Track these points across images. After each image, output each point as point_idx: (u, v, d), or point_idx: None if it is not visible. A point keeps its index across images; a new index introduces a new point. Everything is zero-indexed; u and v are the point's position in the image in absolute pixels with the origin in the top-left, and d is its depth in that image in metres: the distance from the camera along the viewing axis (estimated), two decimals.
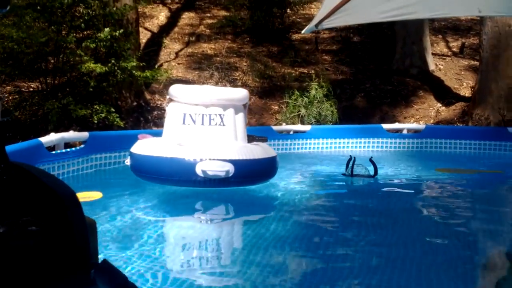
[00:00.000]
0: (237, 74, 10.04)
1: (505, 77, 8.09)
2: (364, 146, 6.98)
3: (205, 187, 3.96)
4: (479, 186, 4.88)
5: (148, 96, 8.74)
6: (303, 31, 5.42)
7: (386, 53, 11.12)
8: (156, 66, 9.38)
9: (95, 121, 6.61)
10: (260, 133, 4.91)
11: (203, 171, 3.86)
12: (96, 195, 3.90)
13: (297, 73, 10.58)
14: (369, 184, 4.65)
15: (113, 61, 6.76)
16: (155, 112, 8.61)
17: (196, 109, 4.14)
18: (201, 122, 4.13)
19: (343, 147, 6.93)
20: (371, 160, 4.89)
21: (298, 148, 6.81)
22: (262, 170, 4.15)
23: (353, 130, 7.06)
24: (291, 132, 6.87)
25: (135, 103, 8.21)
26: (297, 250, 2.84)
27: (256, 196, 4.14)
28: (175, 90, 4.32)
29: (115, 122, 6.72)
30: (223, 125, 4.15)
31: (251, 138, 4.38)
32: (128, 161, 4.26)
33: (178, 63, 10.33)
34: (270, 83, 10.15)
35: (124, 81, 7.09)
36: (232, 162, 3.91)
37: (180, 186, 4.02)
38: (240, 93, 4.33)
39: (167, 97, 4.42)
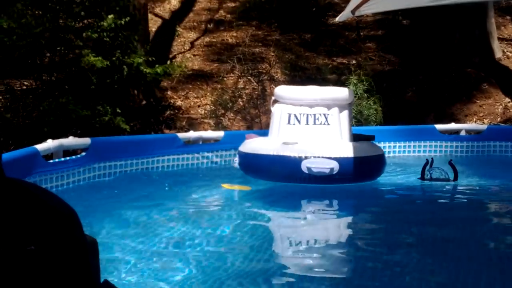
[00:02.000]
0: (263, 67, 10.13)
1: None
2: (413, 151, 6.97)
3: (310, 184, 4.88)
4: None
5: (158, 94, 8.93)
6: (337, 19, 5.48)
7: (443, 38, 11.00)
8: (168, 60, 9.58)
9: (97, 125, 6.79)
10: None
11: (308, 168, 4.78)
12: (245, 187, 4.98)
13: (334, 64, 10.60)
14: (445, 189, 5.07)
15: (118, 55, 6.93)
16: (168, 112, 8.80)
17: (301, 110, 5.10)
18: (305, 121, 5.08)
19: (388, 152, 6.88)
20: (450, 163, 5.34)
21: None
22: (367, 168, 5.02)
23: (400, 132, 7.06)
24: None
25: (144, 102, 8.40)
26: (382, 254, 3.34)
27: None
28: (280, 91, 5.39)
29: (121, 126, 6.88)
30: (328, 124, 5.04)
31: (357, 137, 5.17)
32: (236, 160, 5.33)
33: (194, 55, 10.51)
34: (303, 76, 10.19)
35: (131, 77, 7.26)
36: (337, 159, 4.79)
37: (286, 182, 4.93)
38: (344, 93, 5.22)
39: (272, 98, 5.41)
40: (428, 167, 5.36)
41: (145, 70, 7.24)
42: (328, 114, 5.09)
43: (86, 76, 7.04)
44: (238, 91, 9.17)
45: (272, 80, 9.85)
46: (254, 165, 5.16)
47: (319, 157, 4.83)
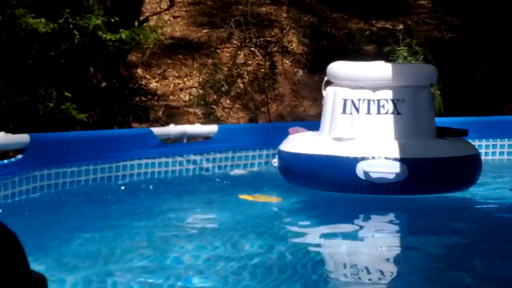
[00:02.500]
0: (272, 34, 10.13)
1: None
2: (486, 153, 6.94)
3: (369, 194, 5.04)
4: None
5: (124, 72, 8.91)
6: None
7: None
8: (137, 23, 9.52)
9: (41, 112, 6.78)
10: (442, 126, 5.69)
11: (365, 173, 4.92)
12: (273, 198, 5.24)
13: (374, 30, 10.58)
14: None
15: (66, 15, 6.91)
16: (138, 98, 8.79)
17: (360, 94, 5.15)
18: (366, 110, 5.10)
19: None
20: None
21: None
22: (450, 173, 5.13)
23: (468, 124, 6.97)
24: None
25: (103, 84, 8.38)
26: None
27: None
28: (333, 68, 5.48)
29: (72, 115, 6.87)
30: (398, 113, 5.08)
31: (443, 131, 5.27)
32: (275, 162, 5.59)
33: (175, 16, 10.50)
34: (328, 47, 10.20)
35: (84, 47, 7.23)
36: (406, 161, 4.89)
37: (336, 191, 5.12)
38: (424, 70, 5.45)
39: (325, 78, 5.54)
40: None
41: (104, 36, 7.21)
42: (398, 100, 5.14)
43: (22, 47, 7.02)
44: (237, 69, 9.16)
45: (285, 52, 9.85)
46: (294, 169, 5.38)
47: (380, 157, 4.97)
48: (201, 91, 8.80)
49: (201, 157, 6.14)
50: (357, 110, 5.14)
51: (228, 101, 8.92)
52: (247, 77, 9.23)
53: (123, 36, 7.34)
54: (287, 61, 9.83)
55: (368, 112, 5.12)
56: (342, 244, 4.36)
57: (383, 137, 5.06)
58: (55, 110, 6.90)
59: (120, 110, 8.40)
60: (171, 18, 10.42)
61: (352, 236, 4.52)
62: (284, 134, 6.58)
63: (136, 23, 8.03)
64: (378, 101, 5.11)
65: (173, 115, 8.59)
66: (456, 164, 5.12)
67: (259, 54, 9.68)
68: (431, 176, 5.05)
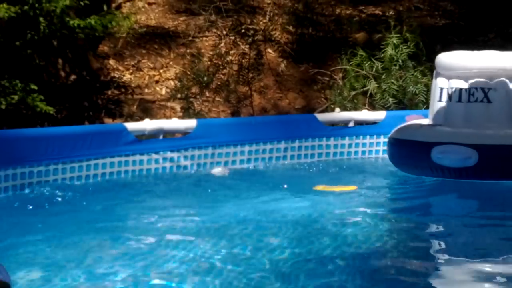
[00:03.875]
0: (255, 21, 10.07)
1: None
2: None
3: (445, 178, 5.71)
4: None
5: (95, 63, 8.82)
6: None
7: None
8: (108, 9, 9.41)
9: (4, 107, 6.70)
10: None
11: (438, 158, 5.59)
12: (348, 187, 5.64)
13: (363, 16, 10.56)
14: None
15: (31, 0, 6.81)
16: (110, 91, 8.69)
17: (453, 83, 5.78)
18: (467, 98, 5.67)
19: None
20: None
21: (363, 152, 6.87)
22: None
23: None
24: (351, 124, 6.88)
25: (73, 76, 8.30)
26: None
27: None
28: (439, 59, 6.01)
29: (39, 109, 6.79)
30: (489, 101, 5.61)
31: None
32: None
33: (150, 3, 10.41)
34: (315, 35, 10.16)
35: (51, 35, 7.13)
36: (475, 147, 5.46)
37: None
38: None
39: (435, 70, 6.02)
40: None
41: (72, 22, 7.10)
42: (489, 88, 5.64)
43: None
44: (218, 59, 9.08)
45: (268, 41, 9.78)
46: (401, 155, 6.04)
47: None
48: (179, 83, 8.72)
49: (178, 154, 6.04)
50: (450, 98, 5.77)
51: (208, 94, 8.82)
52: (228, 68, 9.14)
53: (93, 22, 7.23)
54: (270, 51, 9.75)
55: (467, 100, 5.69)
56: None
57: (468, 124, 5.64)
58: (21, 104, 6.81)
59: (91, 105, 8.31)
60: (146, 5, 10.31)
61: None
62: (266, 128, 6.62)
63: (105, 8, 7.92)
64: (469, 89, 5.67)
65: (148, 110, 8.49)
66: None
67: (241, 43, 9.60)
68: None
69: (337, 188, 5.61)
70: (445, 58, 5.97)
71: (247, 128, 6.56)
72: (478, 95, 5.63)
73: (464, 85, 5.72)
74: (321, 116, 6.93)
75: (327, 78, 9.05)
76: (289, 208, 4.94)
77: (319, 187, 5.60)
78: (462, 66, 5.84)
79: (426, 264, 3.96)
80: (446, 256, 4.15)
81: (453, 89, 5.74)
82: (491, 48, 9.62)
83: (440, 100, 5.82)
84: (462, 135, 5.59)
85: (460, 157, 5.54)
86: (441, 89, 5.83)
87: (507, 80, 5.64)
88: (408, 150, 5.87)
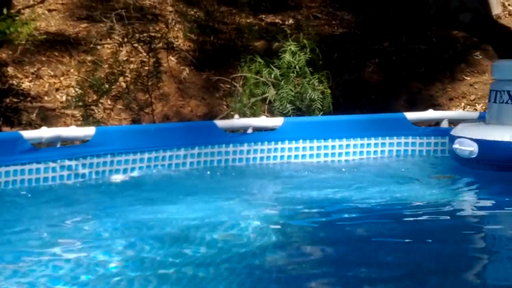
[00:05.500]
0: (157, 28, 10.05)
1: None
2: (375, 152, 7.11)
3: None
4: None
5: None
6: None
7: None
8: (6, 13, 9.24)
9: None
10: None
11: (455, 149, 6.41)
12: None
13: (263, 24, 10.65)
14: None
15: None
16: (8, 99, 8.53)
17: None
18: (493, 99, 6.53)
19: (339, 153, 7.03)
20: None
21: (261, 158, 6.91)
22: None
23: (356, 123, 7.20)
24: (250, 131, 6.94)
25: None
26: None
27: None
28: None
29: None
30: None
31: None
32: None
33: (50, 10, 10.26)
34: (216, 43, 10.20)
35: None
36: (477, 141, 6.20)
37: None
38: None
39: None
40: None
41: None
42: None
43: None
44: (119, 66, 9.00)
45: (170, 49, 9.77)
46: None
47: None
48: (80, 91, 8.58)
49: (76, 162, 5.99)
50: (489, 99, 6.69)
51: (109, 102, 8.75)
52: (129, 76, 9.08)
53: None
54: (172, 58, 9.74)
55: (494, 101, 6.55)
56: None
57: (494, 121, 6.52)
58: None
59: None
60: (46, 12, 10.15)
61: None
62: (166, 135, 6.63)
63: (5, 12, 7.78)
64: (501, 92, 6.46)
65: (48, 118, 8.36)
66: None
67: (142, 51, 9.55)
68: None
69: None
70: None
71: (147, 135, 6.56)
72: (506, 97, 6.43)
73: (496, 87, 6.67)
74: (221, 123, 6.97)
75: (229, 86, 9.09)
76: (185, 214, 5.01)
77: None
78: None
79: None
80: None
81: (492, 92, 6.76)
82: (385, 56, 9.99)
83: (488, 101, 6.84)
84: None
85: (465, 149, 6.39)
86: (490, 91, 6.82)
87: None
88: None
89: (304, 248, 4.50)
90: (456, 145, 6.38)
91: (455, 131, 6.54)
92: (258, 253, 4.14)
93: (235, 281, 3.60)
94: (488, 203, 5.73)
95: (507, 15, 10.76)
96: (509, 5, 11.00)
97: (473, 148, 6.23)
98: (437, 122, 7.44)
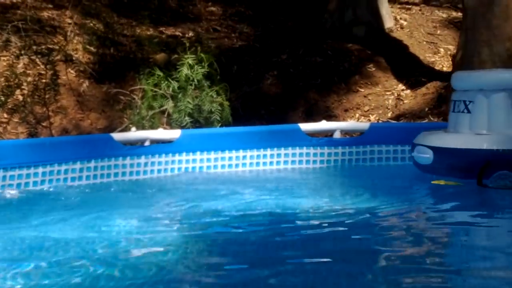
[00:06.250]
0: (55, 41, 9.93)
1: (502, 38, 8.74)
2: (271, 162, 7.22)
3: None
4: None
5: None
6: None
7: (314, 2, 11.54)
8: None
9: None
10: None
11: (413, 157, 6.68)
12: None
13: (163, 37, 10.66)
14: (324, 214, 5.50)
15: None
16: None
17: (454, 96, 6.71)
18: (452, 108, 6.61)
19: (236, 165, 7.11)
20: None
21: (159, 171, 6.91)
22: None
23: (251, 135, 7.27)
24: (147, 143, 6.95)
25: None
26: None
27: None
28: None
29: None
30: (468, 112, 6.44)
31: None
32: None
33: None
34: (116, 55, 10.14)
35: None
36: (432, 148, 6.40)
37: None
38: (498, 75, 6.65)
39: None
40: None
41: None
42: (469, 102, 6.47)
43: None
44: (15, 78, 8.85)
45: (69, 61, 9.67)
46: None
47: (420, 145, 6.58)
48: None
49: None
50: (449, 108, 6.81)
51: (5, 115, 8.59)
52: (26, 88, 8.95)
53: None
54: (71, 71, 9.64)
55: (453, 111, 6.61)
56: None
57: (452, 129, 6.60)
58: None
59: None
60: None
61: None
62: (61, 149, 6.57)
63: None
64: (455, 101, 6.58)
65: None
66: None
67: (40, 63, 9.43)
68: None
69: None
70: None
71: (41, 149, 6.48)
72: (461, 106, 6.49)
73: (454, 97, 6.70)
74: (117, 136, 6.94)
75: (128, 98, 9.05)
76: (78, 229, 4.97)
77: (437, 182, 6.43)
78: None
79: None
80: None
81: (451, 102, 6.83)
82: (283, 68, 10.15)
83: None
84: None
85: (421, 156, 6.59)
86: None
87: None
88: None
89: (200, 258, 4.50)
90: (415, 153, 6.58)
91: (416, 140, 6.67)
92: (153, 264, 4.13)
93: None
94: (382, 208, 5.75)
95: (399, 28, 11.09)
96: (400, 18, 11.35)
97: (429, 155, 6.39)
98: (331, 133, 7.56)
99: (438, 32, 11.14)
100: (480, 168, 6.16)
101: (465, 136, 6.36)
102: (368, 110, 9.43)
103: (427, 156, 6.42)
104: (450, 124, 6.63)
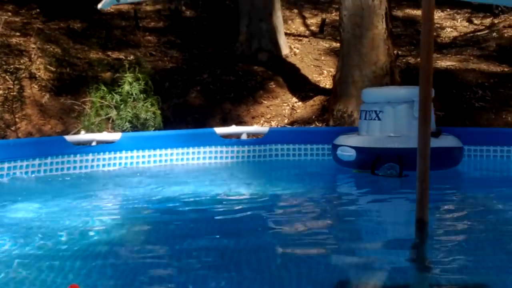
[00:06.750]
0: (21, 61, 9.62)
1: (369, 63, 8.88)
2: (193, 158, 7.15)
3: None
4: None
5: None
6: (99, 6, 5.44)
7: (229, 33, 11.55)
8: None
9: None
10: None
11: (339, 154, 6.64)
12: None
13: (110, 59, 10.47)
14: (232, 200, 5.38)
15: None
16: None
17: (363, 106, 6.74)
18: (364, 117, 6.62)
19: (166, 160, 7.01)
20: (398, 158, 6.23)
21: (104, 165, 6.78)
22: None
23: (178, 137, 7.21)
24: (94, 143, 6.79)
25: None
26: None
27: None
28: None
29: None
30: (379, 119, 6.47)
31: None
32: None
33: None
34: (72, 73, 9.91)
35: None
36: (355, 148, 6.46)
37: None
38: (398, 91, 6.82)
39: None
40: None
41: None
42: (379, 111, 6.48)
43: None
44: None
45: (33, 78, 9.39)
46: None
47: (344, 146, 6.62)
48: None
49: None
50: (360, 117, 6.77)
51: None
52: None
53: None
54: (35, 86, 9.34)
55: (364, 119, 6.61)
56: None
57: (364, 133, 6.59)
58: None
59: None
60: None
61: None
62: (23, 148, 6.35)
63: None
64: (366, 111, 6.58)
65: None
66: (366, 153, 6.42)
67: (9, 79, 9.12)
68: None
69: None
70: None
71: (6, 149, 6.25)
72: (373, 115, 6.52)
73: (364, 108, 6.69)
74: (69, 138, 6.76)
75: (81, 108, 8.84)
76: (37, 213, 4.81)
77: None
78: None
79: None
80: None
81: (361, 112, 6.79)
82: (205, 85, 10.07)
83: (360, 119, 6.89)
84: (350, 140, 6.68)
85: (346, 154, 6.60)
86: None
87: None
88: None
89: (135, 236, 4.39)
90: (339, 151, 6.58)
91: (337, 141, 6.69)
92: (105, 244, 3.99)
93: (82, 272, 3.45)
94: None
95: (293, 55, 11.16)
96: (294, 47, 11.43)
97: (352, 153, 6.44)
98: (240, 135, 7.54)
99: (322, 58, 11.26)
100: (372, 161, 6.33)
101: (378, 138, 6.44)
102: (269, 118, 9.44)
103: (351, 154, 6.46)
104: (362, 129, 6.64)
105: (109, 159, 6.83)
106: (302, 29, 12.54)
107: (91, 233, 4.27)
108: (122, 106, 8.07)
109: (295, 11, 13.05)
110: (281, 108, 9.69)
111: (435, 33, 12.53)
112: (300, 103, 9.79)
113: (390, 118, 6.39)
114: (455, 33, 12.64)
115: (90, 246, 3.91)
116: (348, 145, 6.52)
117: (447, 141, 6.39)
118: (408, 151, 5.86)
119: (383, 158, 6.32)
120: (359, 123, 6.72)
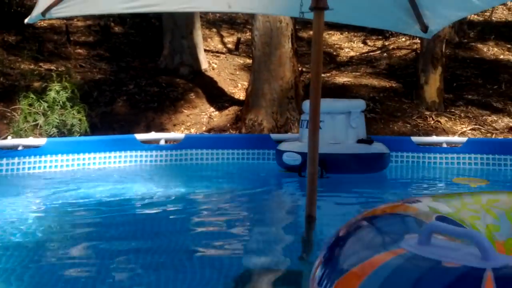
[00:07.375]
0: None
1: (277, 78, 8.94)
2: (114, 162, 6.90)
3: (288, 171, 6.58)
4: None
5: None
6: (26, 20, 5.14)
7: (154, 48, 11.33)
8: None
9: None
10: None
11: (285, 159, 6.57)
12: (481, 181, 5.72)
13: (42, 70, 10.03)
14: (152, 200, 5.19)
15: None
16: None
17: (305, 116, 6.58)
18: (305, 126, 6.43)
19: (89, 163, 6.75)
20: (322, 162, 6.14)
21: (29, 168, 6.44)
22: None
23: (100, 142, 6.94)
24: (20, 148, 6.43)
25: None
26: None
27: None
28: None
29: None
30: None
31: (360, 140, 6.50)
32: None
33: None
34: (5, 83, 9.42)
35: None
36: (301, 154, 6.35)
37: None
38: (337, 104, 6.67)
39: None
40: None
41: None
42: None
43: None
44: None
45: None
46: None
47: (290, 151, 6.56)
48: None
49: None
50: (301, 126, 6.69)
51: None
52: None
53: None
54: None
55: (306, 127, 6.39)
56: None
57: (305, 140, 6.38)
58: None
59: None
60: None
61: None
62: None
63: None
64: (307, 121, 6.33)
65: None
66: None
67: None
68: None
69: (471, 181, 6.01)
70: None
71: None
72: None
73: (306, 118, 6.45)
74: None
75: (13, 115, 8.40)
76: None
77: (457, 180, 6.13)
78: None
79: None
80: None
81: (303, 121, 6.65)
82: (131, 95, 9.80)
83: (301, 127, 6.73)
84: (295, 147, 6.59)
85: (291, 159, 6.51)
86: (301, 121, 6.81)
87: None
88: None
89: (60, 233, 4.14)
90: (285, 157, 6.52)
91: (281, 147, 6.64)
92: (25, 246, 3.71)
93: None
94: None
95: (211, 69, 11.07)
96: (212, 63, 11.35)
97: (298, 158, 6.39)
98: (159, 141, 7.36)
99: (237, 73, 11.23)
100: (300, 164, 6.38)
101: (321, 145, 6.40)
102: (189, 125, 9.31)
103: (296, 159, 6.44)
104: (304, 137, 6.50)
105: (34, 162, 6.50)
106: (220, 46, 12.47)
107: (13, 233, 4.00)
108: (49, 113, 7.70)
109: (214, 30, 12.96)
110: (200, 116, 9.58)
111: (335, 53, 12.79)
112: (216, 112, 9.71)
113: (330, 127, 6.41)
114: (352, 53, 12.93)
115: (11, 246, 3.65)
116: (295, 151, 6.48)
117: (378, 147, 6.53)
118: (346, 156, 6.36)
119: (329, 161, 6.38)
120: (300, 131, 6.68)
